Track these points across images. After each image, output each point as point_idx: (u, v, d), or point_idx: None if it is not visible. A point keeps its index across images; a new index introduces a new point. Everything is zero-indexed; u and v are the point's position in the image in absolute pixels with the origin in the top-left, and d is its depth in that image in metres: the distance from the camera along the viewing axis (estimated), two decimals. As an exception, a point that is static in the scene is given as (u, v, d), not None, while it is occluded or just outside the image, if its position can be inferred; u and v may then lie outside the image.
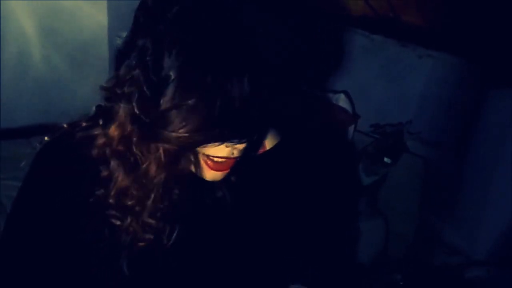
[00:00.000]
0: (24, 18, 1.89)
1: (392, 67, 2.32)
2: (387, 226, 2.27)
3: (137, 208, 0.91)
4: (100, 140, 0.89)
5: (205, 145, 0.84)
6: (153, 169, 0.88)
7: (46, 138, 0.99)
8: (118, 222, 0.92)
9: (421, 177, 2.22)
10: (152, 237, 0.93)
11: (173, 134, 0.79)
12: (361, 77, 2.43)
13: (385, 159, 2.18)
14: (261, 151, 1.07)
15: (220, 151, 0.86)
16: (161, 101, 0.77)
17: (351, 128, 2.37)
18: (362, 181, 2.30)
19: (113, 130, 0.87)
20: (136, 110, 0.80)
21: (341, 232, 2.13)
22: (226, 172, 0.92)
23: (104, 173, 0.90)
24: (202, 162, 0.89)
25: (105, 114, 0.87)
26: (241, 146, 0.86)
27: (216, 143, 0.83)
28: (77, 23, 1.92)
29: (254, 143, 0.91)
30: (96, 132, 0.90)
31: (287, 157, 1.10)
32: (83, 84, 1.91)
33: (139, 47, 0.79)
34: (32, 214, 0.95)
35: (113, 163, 0.90)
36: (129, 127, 0.84)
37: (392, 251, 2.28)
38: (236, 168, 0.95)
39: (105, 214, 0.92)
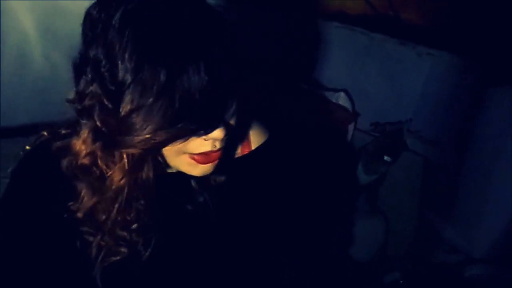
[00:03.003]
0: (24, 16, 1.89)
1: (391, 66, 2.31)
2: (386, 224, 2.27)
3: (107, 223, 0.91)
4: (69, 155, 0.89)
5: (174, 143, 0.82)
6: (117, 177, 0.87)
7: (27, 147, 1.00)
8: (91, 238, 0.92)
9: (421, 175, 2.23)
10: (126, 250, 0.92)
11: (136, 138, 0.77)
12: (360, 75, 2.43)
13: (385, 158, 2.18)
14: (246, 150, 1.05)
15: (200, 146, 0.84)
16: (121, 107, 0.76)
17: (351, 127, 2.37)
18: (361, 179, 2.30)
19: (79, 146, 0.87)
20: (98, 123, 0.80)
21: (340, 230, 2.13)
22: (215, 163, 0.89)
23: (76, 187, 0.91)
24: (189, 159, 0.87)
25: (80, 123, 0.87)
26: (219, 136, 0.83)
27: (182, 140, 0.81)
28: (77, 21, 1.91)
29: (233, 129, 0.88)
30: (72, 142, 0.90)
31: (277, 156, 1.07)
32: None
33: (92, 59, 0.78)
34: (8, 225, 0.96)
35: (80, 180, 0.90)
36: (92, 143, 0.84)
37: (391, 249, 2.28)
38: (218, 170, 0.94)
39: (78, 228, 0.92)
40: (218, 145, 0.85)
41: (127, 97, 0.75)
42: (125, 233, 0.92)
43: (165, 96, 0.74)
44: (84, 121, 0.82)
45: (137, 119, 0.75)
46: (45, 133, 0.97)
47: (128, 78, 0.74)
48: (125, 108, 0.75)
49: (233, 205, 1.01)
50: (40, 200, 0.93)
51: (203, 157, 0.86)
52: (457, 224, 2.10)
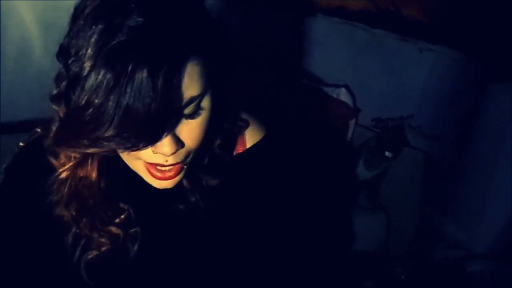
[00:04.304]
0: (25, 12, 1.89)
1: (393, 61, 2.31)
2: (387, 220, 2.27)
3: (72, 212, 0.91)
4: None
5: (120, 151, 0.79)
6: (61, 169, 0.89)
7: (21, 143, 1.00)
8: (72, 228, 0.92)
9: (422, 171, 2.22)
10: (107, 242, 0.92)
11: (74, 140, 0.75)
12: (362, 71, 2.43)
13: (386, 153, 2.17)
14: (240, 149, 1.02)
15: (151, 156, 0.80)
16: (72, 101, 0.74)
17: (352, 122, 2.37)
18: (363, 175, 2.30)
19: (53, 131, 0.86)
20: (60, 113, 0.79)
21: (342, 226, 2.13)
22: (175, 180, 0.85)
23: None
24: (144, 169, 0.84)
25: None
26: (166, 152, 0.78)
27: (124, 150, 0.76)
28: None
29: (196, 147, 0.83)
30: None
31: (273, 154, 1.04)
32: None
33: (64, 46, 0.76)
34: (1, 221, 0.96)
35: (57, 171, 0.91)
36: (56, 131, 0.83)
37: (392, 245, 2.28)
38: (209, 170, 0.93)
39: (58, 218, 0.92)
40: (170, 160, 0.81)
41: (78, 91, 0.72)
42: (97, 223, 0.92)
43: (112, 102, 0.70)
44: (55, 108, 0.81)
45: (82, 119, 0.72)
46: (38, 130, 0.97)
47: (83, 73, 0.71)
48: (75, 102, 0.73)
49: (226, 205, 0.98)
50: (33, 196, 0.93)
51: (158, 172, 0.83)
52: (458, 220, 2.10)
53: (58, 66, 0.80)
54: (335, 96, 2.38)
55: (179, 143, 0.79)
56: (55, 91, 0.80)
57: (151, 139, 0.75)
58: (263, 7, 2.61)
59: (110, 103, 0.70)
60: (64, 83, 0.77)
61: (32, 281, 0.95)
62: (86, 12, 0.73)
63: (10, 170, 0.99)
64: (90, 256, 0.92)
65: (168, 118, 0.75)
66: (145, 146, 0.75)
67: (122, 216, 0.93)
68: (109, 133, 0.72)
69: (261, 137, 1.04)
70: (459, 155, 2.10)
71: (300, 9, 2.57)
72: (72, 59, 0.74)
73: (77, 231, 0.92)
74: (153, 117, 0.71)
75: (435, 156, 2.21)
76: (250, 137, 1.03)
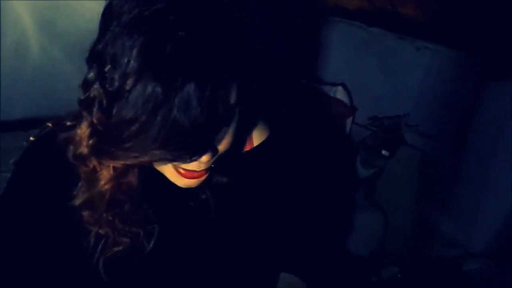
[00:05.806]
0: (22, 10, 1.88)
1: (390, 60, 2.31)
2: (384, 219, 2.27)
3: (102, 215, 0.91)
4: (73, 144, 0.89)
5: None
6: (101, 181, 0.88)
7: (31, 138, 0.99)
8: (91, 227, 0.92)
9: (419, 169, 2.22)
10: (128, 240, 0.92)
11: (121, 153, 0.75)
12: (359, 69, 2.43)
13: (383, 152, 2.18)
14: (248, 147, 1.05)
15: (185, 164, 0.82)
16: (113, 114, 0.73)
17: (349, 121, 2.37)
18: (359, 173, 2.30)
19: (79, 136, 0.86)
20: (94, 120, 0.77)
21: (338, 224, 2.13)
22: (201, 179, 0.87)
23: (79, 176, 0.91)
24: (173, 170, 0.85)
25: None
26: (204, 161, 0.80)
27: (169, 162, 0.78)
28: (75, 15, 1.91)
29: (225, 151, 0.86)
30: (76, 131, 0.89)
31: (278, 152, 1.07)
32: (81, 76, 1.89)
33: (98, 54, 0.75)
34: (14, 214, 0.96)
35: (80, 172, 0.90)
36: (88, 138, 0.82)
37: (389, 243, 2.28)
38: (220, 168, 0.93)
39: (78, 217, 0.92)
40: (203, 166, 0.83)
41: (121, 106, 0.71)
42: (125, 226, 0.92)
43: (160, 116, 0.70)
44: (84, 114, 0.81)
45: (127, 133, 0.72)
46: (49, 124, 0.97)
47: (127, 86, 0.70)
48: (116, 115, 0.72)
49: (234, 202, 1.01)
50: (45, 189, 0.93)
51: (188, 172, 0.84)
52: (455, 218, 2.10)
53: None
54: (332, 94, 2.38)
55: (215, 152, 0.82)
56: (83, 96, 0.79)
57: (198, 152, 0.77)
58: (260, 7, 2.61)
59: (158, 118, 0.70)
60: (95, 87, 0.76)
61: (46, 279, 0.95)
62: (123, 19, 0.72)
63: (22, 163, 0.98)
64: (108, 254, 0.93)
65: (213, 131, 0.76)
66: (191, 158, 0.77)
67: (136, 216, 0.94)
68: (155, 146, 0.72)
69: (267, 135, 1.07)
70: (456, 154, 2.10)
71: (297, 8, 2.57)
72: (109, 67, 0.73)
73: (99, 230, 0.92)
74: (199, 130, 0.72)
75: (432, 155, 2.22)
76: (257, 136, 1.06)
